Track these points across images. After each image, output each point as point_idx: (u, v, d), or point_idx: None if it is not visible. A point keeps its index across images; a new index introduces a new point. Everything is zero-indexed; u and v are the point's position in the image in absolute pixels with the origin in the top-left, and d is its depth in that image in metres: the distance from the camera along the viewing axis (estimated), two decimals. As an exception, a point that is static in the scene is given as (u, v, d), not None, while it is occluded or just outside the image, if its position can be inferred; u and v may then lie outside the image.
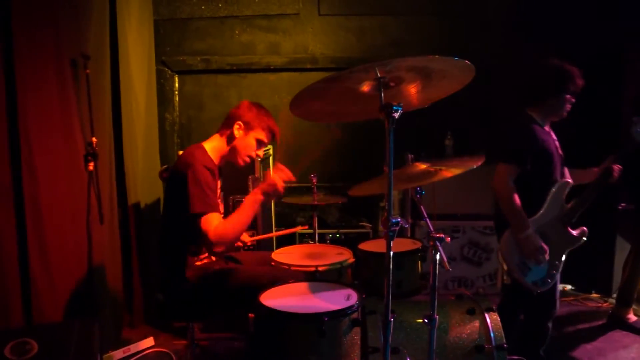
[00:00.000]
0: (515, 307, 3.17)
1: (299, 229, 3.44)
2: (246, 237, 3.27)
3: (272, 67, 5.04)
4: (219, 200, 2.86)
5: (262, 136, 2.84)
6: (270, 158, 4.28)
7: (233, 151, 2.84)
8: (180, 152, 3.95)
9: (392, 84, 1.87)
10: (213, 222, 2.49)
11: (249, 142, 2.82)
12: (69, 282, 3.06)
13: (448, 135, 4.69)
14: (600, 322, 4.07)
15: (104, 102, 3.59)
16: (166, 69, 5.02)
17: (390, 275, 1.84)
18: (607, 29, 4.44)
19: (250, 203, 2.60)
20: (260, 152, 2.89)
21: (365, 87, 1.90)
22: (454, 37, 4.99)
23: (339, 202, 3.39)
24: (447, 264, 2.03)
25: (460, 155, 4.41)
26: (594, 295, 4.73)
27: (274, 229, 4.35)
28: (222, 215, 2.68)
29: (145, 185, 4.21)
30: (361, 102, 1.98)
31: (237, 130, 2.80)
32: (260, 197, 2.60)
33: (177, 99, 5.10)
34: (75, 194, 3.15)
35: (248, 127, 2.80)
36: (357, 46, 5.10)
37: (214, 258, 2.84)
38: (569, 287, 4.91)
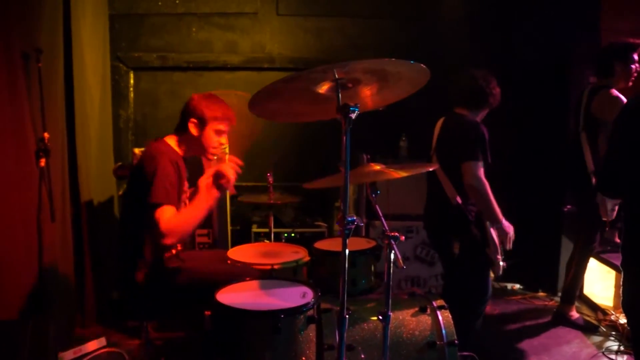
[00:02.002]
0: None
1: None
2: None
3: (229, 66, 5.03)
4: (186, 195, 2.85)
5: (219, 126, 2.81)
6: (226, 156, 4.25)
7: (197, 147, 2.83)
8: (136, 150, 3.94)
9: (349, 85, 1.91)
10: (165, 214, 2.47)
11: (209, 135, 2.80)
12: (18, 282, 2.97)
13: (403, 137, 4.78)
14: (545, 320, 4.21)
15: (57, 97, 3.52)
16: (121, 65, 4.94)
17: (346, 273, 1.87)
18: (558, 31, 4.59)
19: (205, 198, 2.59)
20: (224, 140, 2.86)
21: (323, 89, 1.93)
22: (410, 39, 5.09)
23: (295, 201, 3.42)
24: (401, 261, 2.09)
25: (414, 158, 4.53)
26: (541, 293, 4.89)
27: (229, 227, 4.34)
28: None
29: (99, 182, 4.14)
30: (319, 103, 2.01)
31: (194, 128, 2.78)
32: (216, 192, 2.60)
33: (132, 95, 5.03)
34: (25, 191, 3.07)
35: (203, 122, 2.78)
36: (315, 47, 5.14)
37: (173, 251, 2.82)
38: (517, 286, 5.07)
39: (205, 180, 2.62)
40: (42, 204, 3.16)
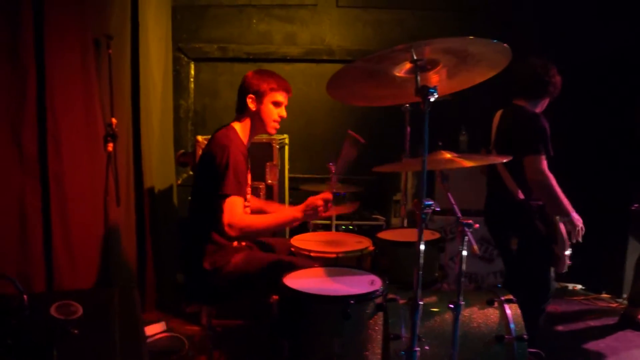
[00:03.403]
0: None
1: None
2: None
3: (288, 58, 5.03)
4: (248, 188, 2.87)
5: (277, 97, 2.81)
6: (286, 147, 4.27)
7: (258, 124, 2.85)
8: (199, 137, 3.97)
9: (428, 66, 1.87)
10: (236, 206, 2.51)
11: (268, 109, 2.80)
12: (88, 261, 3.06)
13: (462, 131, 4.68)
14: (611, 322, 4.05)
15: (124, 84, 3.59)
16: (182, 55, 5.01)
17: (421, 257, 1.83)
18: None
19: (287, 217, 2.66)
20: (283, 112, 2.85)
21: (401, 71, 1.90)
22: (471, 33, 4.96)
23: (356, 191, 3.38)
24: (476, 247, 2.03)
25: (474, 152, 4.43)
26: (604, 295, 4.71)
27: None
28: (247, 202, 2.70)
29: (160, 171, 4.20)
30: (395, 87, 1.98)
31: (252, 103, 2.79)
32: (300, 216, 2.62)
33: (192, 86, 5.09)
34: (95, 174, 3.14)
35: (260, 96, 2.79)
36: (374, 39, 5.08)
37: (243, 243, 2.84)
38: (579, 286, 4.90)
39: (297, 207, 2.66)
40: (109, 188, 3.24)
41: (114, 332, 1.20)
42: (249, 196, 2.87)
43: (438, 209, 1.85)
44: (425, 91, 1.75)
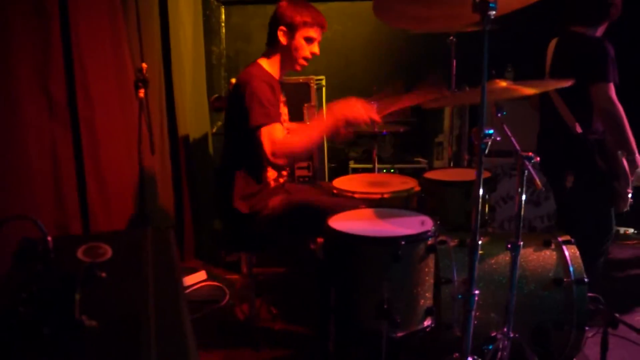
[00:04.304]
0: None
1: None
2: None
3: (322, -3, 4.80)
4: (284, 119, 2.72)
5: (310, 33, 2.62)
6: (323, 89, 4.10)
7: (288, 59, 2.68)
8: (233, 80, 3.83)
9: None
10: (274, 133, 2.38)
11: (299, 43, 2.62)
12: (124, 209, 3.01)
13: (508, 68, 4.44)
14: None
15: (153, 29, 3.46)
16: (212, -1, 4.83)
17: (480, 191, 1.67)
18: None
19: (328, 123, 2.41)
20: (316, 48, 2.68)
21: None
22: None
23: (401, 130, 3.20)
24: (539, 182, 1.86)
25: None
26: (659, 238, 4.49)
27: (326, 163, 4.21)
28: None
29: (194, 118, 4.10)
30: (450, 6, 1.78)
31: (283, 37, 2.62)
32: (342, 123, 2.40)
33: (223, 31, 4.92)
34: (127, 121, 3.05)
35: (292, 29, 2.61)
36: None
37: (281, 180, 2.73)
38: (630, 230, 4.66)
39: (340, 111, 2.42)
40: (142, 136, 3.14)
41: (147, 274, 1.09)
42: (285, 124, 2.73)
43: (499, 139, 1.68)
44: (485, 6, 1.55)
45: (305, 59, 2.68)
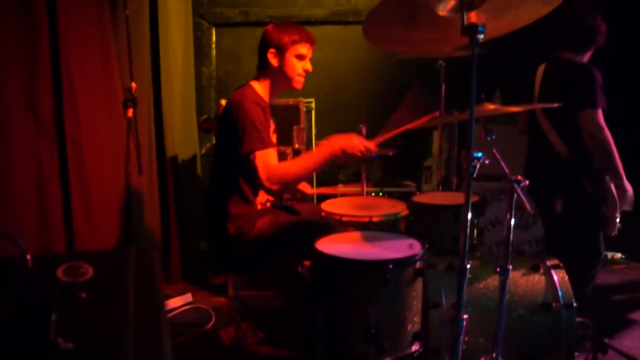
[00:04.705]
0: None
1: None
2: (307, 188, 3.11)
3: (312, 20, 4.80)
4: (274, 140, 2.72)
5: (300, 49, 2.63)
6: (313, 112, 4.11)
7: (282, 81, 2.69)
8: (222, 101, 3.82)
9: (475, 2, 1.67)
10: (269, 159, 2.36)
11: (291, 62, 2.63)
12: (109, 229, 2.97)
13: (496, 92, 4.47)
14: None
15: (143, 48, 3.46)
16: (203, 21, 4.82)
17: (469, 215, 1.66)
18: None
19: (325, 154, 2.42)
20: (308, 65, 2.68)
21: (444, 9, 1.72)
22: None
23: (389, 154, 3.20)
24: (527, 205, 1.85)
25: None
26: (648, 264, 4.49)
27: (314, 185, 4.19)
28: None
29: (183, 139, 4.08)
30: (438, 29, 1.80)
31: (273, 59, 2.62)
32: (338, 153, 2.41)
33: (214, 52, 4.92)
34: (114, 140, 3.03)
35: (281, 49, 2.61)
36: (403, -2, 4.84)
37: (268, 202, 2.69)
38: (618, 255, 4.68)
39: (337, 141, 2.44)
40: (130, 156, 3.10)
41: (128, 295, 1.06)
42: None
43: (487, 162, 1.68)
44: (473, 29, 1.56)
45: (300, 75, 2.68)
